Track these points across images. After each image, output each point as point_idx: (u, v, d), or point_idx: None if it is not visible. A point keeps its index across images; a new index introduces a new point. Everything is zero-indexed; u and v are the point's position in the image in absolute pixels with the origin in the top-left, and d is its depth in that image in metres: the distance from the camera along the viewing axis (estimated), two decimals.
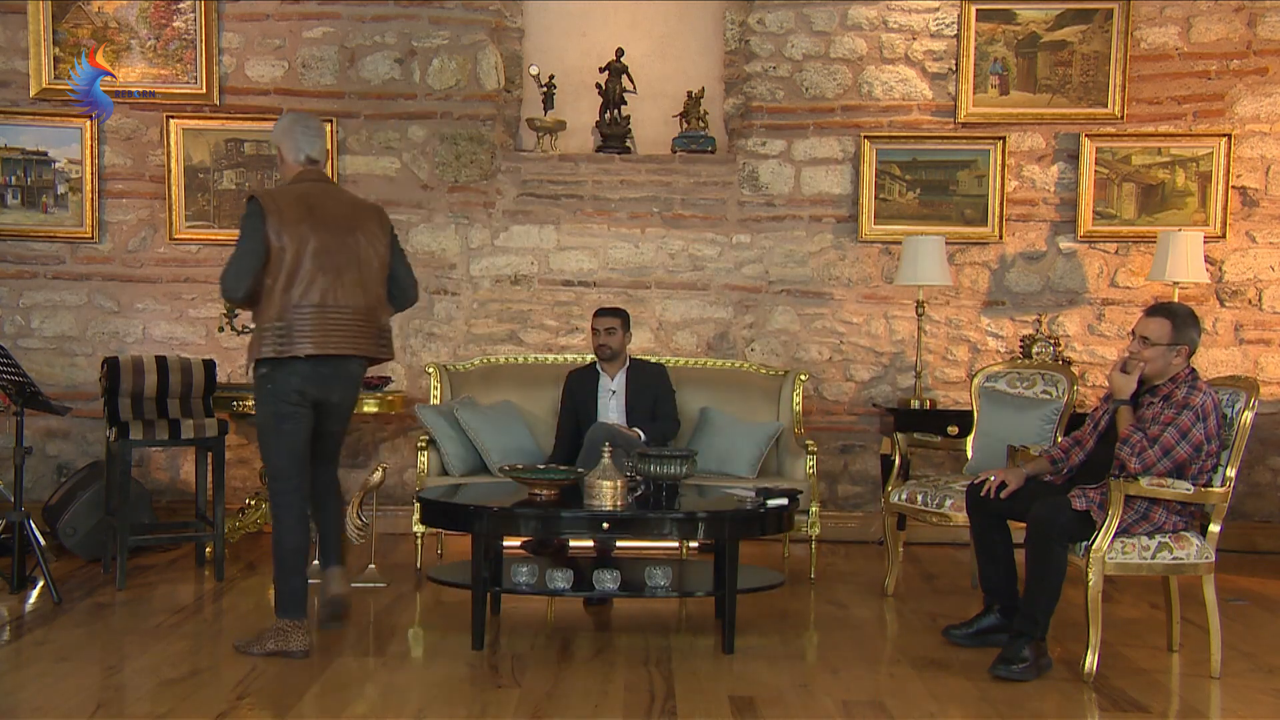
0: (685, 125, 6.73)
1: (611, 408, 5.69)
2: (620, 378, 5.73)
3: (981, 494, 4.48)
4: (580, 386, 5.75)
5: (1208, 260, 6.34)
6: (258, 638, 4.24)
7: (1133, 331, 4.34)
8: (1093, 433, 4.45)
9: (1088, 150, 6.51)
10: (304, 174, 4.35)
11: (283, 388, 4.20)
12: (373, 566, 5.40)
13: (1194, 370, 4.25)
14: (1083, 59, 6.53)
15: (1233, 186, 6.50)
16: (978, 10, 6.53)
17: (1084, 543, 4.11)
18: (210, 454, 5.55)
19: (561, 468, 5.00)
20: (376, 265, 4.37)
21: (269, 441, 4.29)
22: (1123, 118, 6.49)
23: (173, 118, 6.52)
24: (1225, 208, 6.47)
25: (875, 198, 6.59)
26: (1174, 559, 4.15)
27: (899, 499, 5.23)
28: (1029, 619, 4.15)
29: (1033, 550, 4.16)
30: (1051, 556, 4.12)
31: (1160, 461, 4.08)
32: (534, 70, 6.70)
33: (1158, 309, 4.33)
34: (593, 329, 5.77)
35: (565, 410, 5.75)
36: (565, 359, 6.25)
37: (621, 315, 5.75)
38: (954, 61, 6.57)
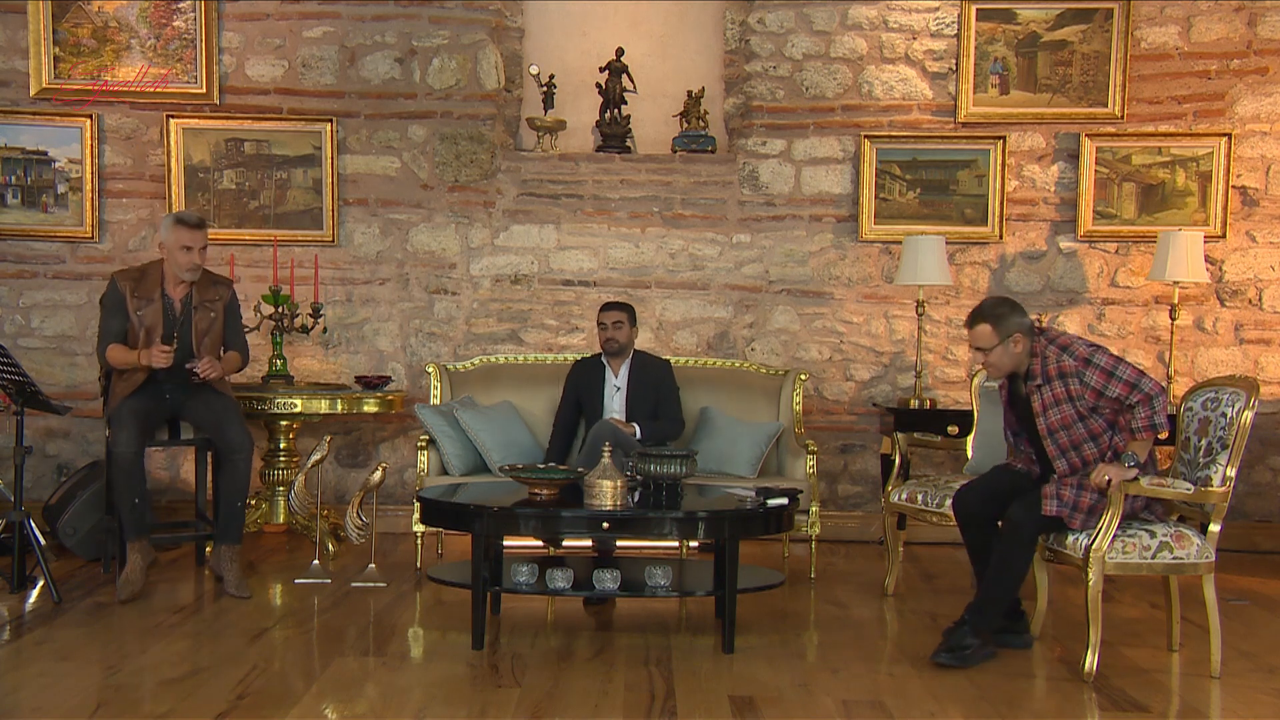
0: (685, 125, 6.73)
1: (615, 402, 5.68)
2: (624, 372, 5.71)
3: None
4: (585, 379, 5.73)
5: (1208, 260, 6.34)
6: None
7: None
8: (1012, 410, 4.49)
9: (1088, 150, 6.51)
10: None
11: None
12: (373, 566, 5.40)
13: (1042, 334, 4.28)
14: (1083, 59, 6.53)
15: (1233, 186, 6.50)
16: (978, 10, 6.53)
17: (1084, 542, 4.10)
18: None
19: (561, 468, 5.00)
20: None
21: None
22: (1123, 117, 6.50)
23: (173, 117, 6.53)
24: (1225, 207, 6.48)
25: (875, 197, 6.59)
26: (1174, 559, 4.15)
27: (899, 499, 5.22)
28: (979, 611, 4.18)
29: (1001, 548, 4.21)
30: (1016, 557, 4.18)
31: (1144, 383, 4.09)
32: (534, 70, 6.70)
33: (972, 317, 4.35)
34: (599, 323, 5.73)
35: (566, 399, 5.74)
36: (565, 359, 6.25)
37: (628, 309, 5.73)
38: (954, 61, 6.58)
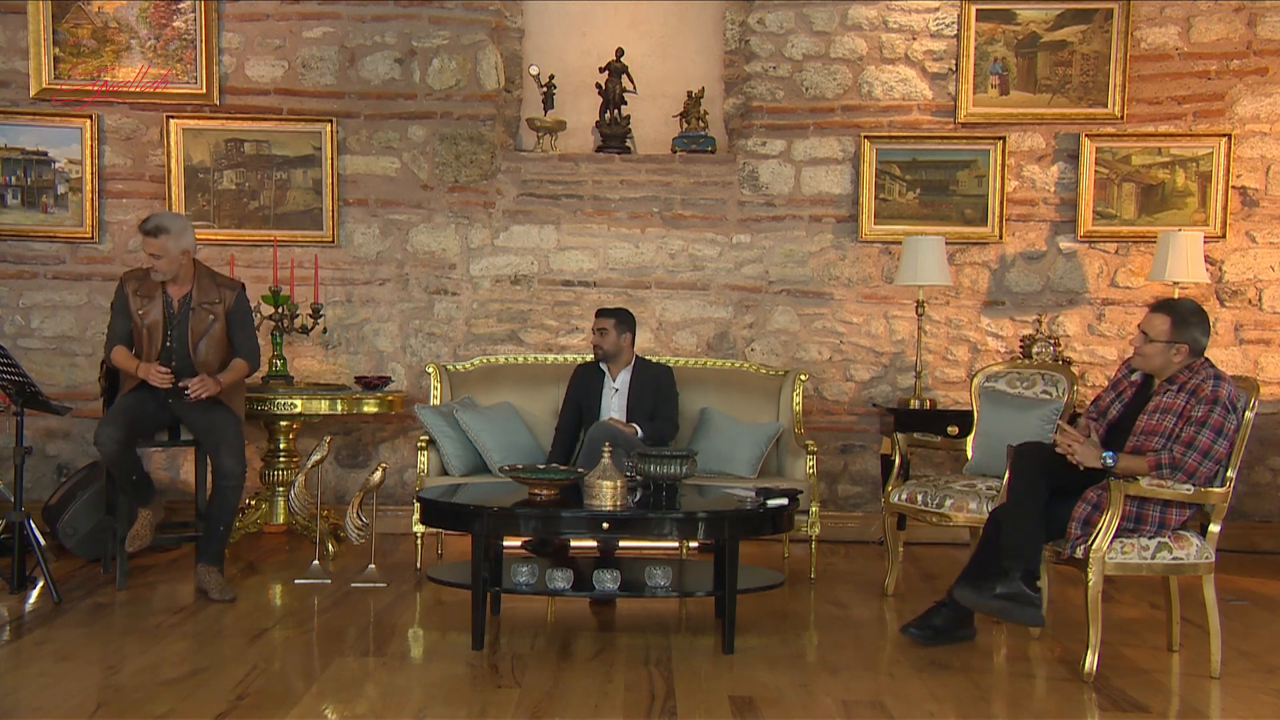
0: (685, 125, 6.73)
1: (613, 405, 5.69)
2: (623, 376, 5.73)
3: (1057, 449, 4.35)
4: (585, 382, 5.76)
5: (1208, 260, 6.34)
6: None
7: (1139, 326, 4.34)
8: (1114, 400, 4.46)
9: (1088, 150, 6.51)
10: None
11: None
12: (373, 566, 5.40)
13: (1209, 360, 4.23)
14: (1083, 59, 6.53)
15: (1233, 186, 6.50)
16: (978, 10, 6.53)
17: (1082, 544, 4.11)
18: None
19: (561, 468, 5.01)
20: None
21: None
22: (1123, 118, 6.50)
23: (173, 118, 6.53)
24: (1225, 208, 6.48)
25: (875, 198, 6.59)
26: (1174, 559, 4.15)
27: (899, 499, 5.22)
28: (1022, 560, 4.18)
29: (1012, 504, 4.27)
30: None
31: (1203, 465, 4.06)
32: (534, 70, 6.70)
33: (1161, 305, 4.30)
34: (591, 330, 5.80)
35: (568, 402, 5.76)
36: (565, 359, 6.26)
37: (616, 316, 5.73)
38: (954, 61, 6.58)
